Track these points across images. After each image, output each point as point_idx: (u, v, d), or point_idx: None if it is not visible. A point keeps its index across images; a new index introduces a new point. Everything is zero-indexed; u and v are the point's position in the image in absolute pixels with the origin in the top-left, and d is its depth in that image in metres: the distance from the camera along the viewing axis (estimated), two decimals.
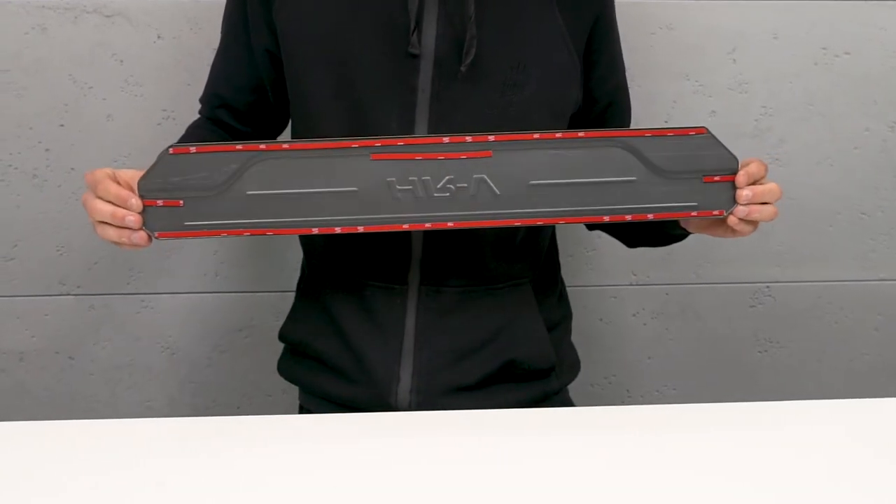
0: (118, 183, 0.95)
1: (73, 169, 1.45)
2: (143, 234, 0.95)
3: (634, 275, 1.60)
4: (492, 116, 1.05)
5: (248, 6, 1.09)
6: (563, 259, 1.56)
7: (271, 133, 1.21)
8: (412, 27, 1.01)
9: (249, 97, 1.15)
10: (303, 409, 1.22)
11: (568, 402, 1.24)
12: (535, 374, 1.16)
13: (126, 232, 0.95)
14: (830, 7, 1.46)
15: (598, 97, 1.14)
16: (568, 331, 1.24)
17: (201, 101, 1.20)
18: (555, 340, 1.18)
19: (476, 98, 1.04)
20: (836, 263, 1.61)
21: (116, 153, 1.45)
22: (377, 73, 1.03)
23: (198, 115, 1.21)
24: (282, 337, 1.20)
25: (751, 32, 1.47)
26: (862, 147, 1.54)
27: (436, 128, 1.04)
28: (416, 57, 1.02)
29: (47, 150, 1.44)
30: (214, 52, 1.19)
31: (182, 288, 1.54)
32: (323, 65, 1.05)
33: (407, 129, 1.04)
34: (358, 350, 1.11)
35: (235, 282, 1.56)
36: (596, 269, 1.58)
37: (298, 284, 1.22)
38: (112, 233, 0.95)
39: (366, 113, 1.04)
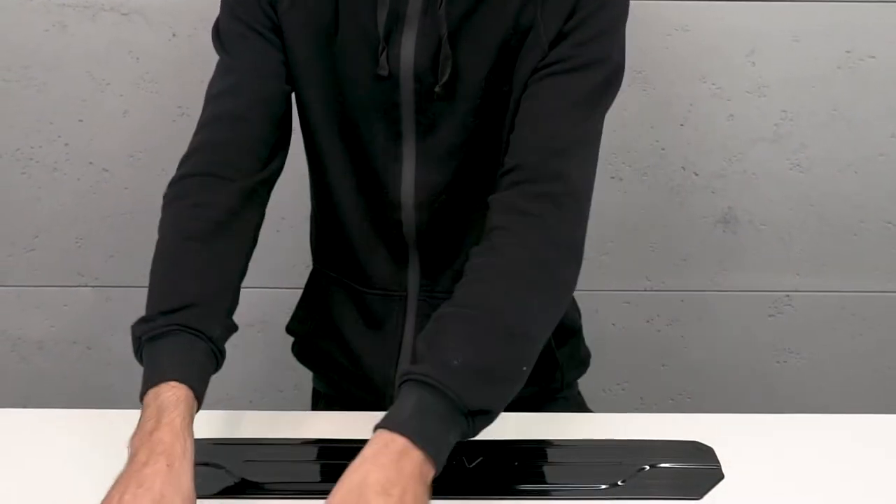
0: None
1: (91, 163, 1.49)
2: None
3: (648, 280, 1.57)
4: (473, 130, 1.04)
5: None
6: None
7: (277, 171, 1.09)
8: (381, 48, 1.01)
9: (280, 107, 1.04)
10: (315, 392, 1.25)
11: (575, 398, 1.22)
12: (535, 374, 1.14)
13: None
14: (854, 8, 1.42)
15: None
16: (569, 329, 1.20)
17: (194, 152, 1.01)
18: (558, 339, 1.15)
19: (457, 113, 1.03)
20: (859, 273, 1.56)
21: (133, 148, 1.48)
22: (361, 87, 1.03)
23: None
24: (289, 331, 1.23)
25: (770, 34, 1.43)
26: (888, 154, 1.49)
27: (423, 139, 1.04)
28: (388, 76, 1.01)
29: (66, 144, 1.48)
30: None
31: None
32: (315, 75, 1.05)
33: (394, 140, 1.04)
34: (356, 353, 1.12)
35: (248, 277, 1.56)
36: (609, 273, 1.56)
37: (307, 281, 1.24)
38: None
39: (355, 125, 1.05)
